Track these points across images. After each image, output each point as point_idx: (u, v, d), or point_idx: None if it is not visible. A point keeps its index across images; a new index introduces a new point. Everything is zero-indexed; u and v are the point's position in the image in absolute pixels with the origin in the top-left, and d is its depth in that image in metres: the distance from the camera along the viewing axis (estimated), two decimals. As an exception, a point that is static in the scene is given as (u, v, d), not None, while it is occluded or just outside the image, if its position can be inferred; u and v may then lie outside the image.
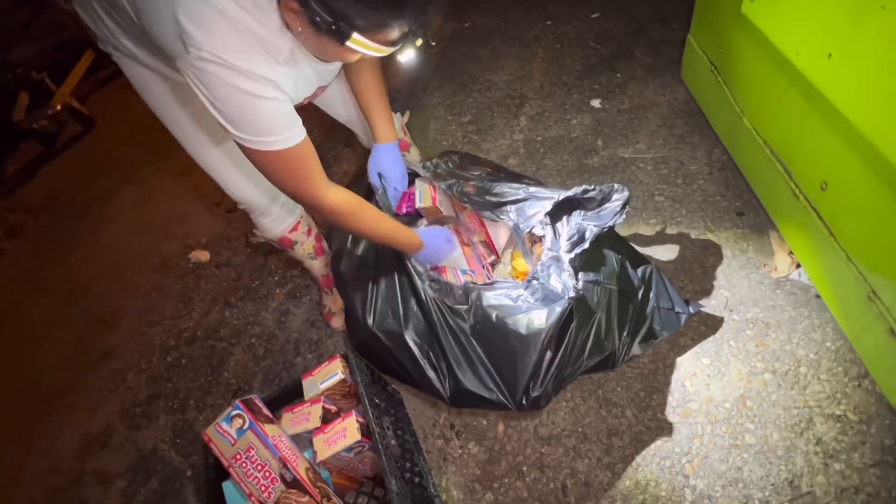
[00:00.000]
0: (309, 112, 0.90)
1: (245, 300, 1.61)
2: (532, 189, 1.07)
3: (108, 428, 1.44)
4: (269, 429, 0.81)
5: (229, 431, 0.79)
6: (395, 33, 0.61)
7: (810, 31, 0.76)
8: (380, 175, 1.09)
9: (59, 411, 1.53)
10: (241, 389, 1.38)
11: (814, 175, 0.90)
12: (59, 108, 2.76)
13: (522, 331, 0.87)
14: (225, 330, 1.55)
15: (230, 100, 0.63)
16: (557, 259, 0.93)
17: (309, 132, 0.73)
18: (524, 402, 0.88)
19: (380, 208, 1.09)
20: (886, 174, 0.70)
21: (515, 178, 1.18)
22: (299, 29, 0.64)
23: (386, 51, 0.63)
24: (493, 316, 0.91)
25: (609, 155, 1.53)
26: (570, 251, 0.94)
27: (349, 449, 0.82)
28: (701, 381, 1.02)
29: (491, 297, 0.94)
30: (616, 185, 0.98)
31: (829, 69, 0.76)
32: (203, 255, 1.82)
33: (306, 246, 1.28)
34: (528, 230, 1.05)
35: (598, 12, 2.11)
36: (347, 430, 0.82)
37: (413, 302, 1.01)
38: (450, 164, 1.18)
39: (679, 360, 1.06)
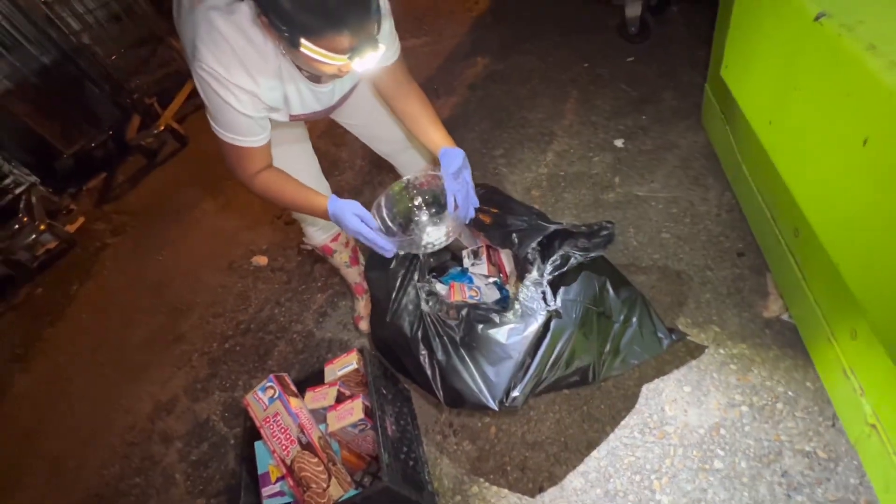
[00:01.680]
0: (355, 147, 1.10)
1: (292, 301, 1.86)
2: (534, 221, 1.23)
3: (174, 398, 1.73)
4: (294, 401, 1.01)
5: (263, 398, 1.00)
6: (341, 42, 0.70)
7: (759, 99, 0.85)
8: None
9: (140, 381, 1.86)
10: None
11: (788, 221, 0.98)
12: (162, 128, 3.30)
13: (503, 340, 1.01)
14: (273, 325, 1.81)
15: (212, 101, 0.84)
16: (538, 281, 1.07)
17: (353, 163, 0.94)
18: (505, 401, 1.02)
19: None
20: (816, 232, 0.78)
21: (524, 210, 1.34)
22: (277, 43, 0.80)
23: (339, 59, 0.73)
24: (479, 328, 1.07)
25: (624, 192, 1.64)
26: (550, 273, 1.08)
27: (354, 425, 1.00)
28: (680, 407, 1.10)
29: (479, 314, 1.10)
30: (605, 223, 1.12)
31: (771, 134, 0.85)
32: (262, 260, 2.12)
33: (343, 255, 1.50)
34: (523, 255, 1.20)
35: (633, 56, 2.23)
36: (354, 409, 1.00)
37: (417, 311, 1.19)
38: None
39: (662, 385, 1.14)
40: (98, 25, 3.52)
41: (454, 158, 1.03)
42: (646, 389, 1.15)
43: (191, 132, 3.42)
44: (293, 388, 1.07)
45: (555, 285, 1.09)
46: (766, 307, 1.18)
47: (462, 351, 1.08)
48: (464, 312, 1.10)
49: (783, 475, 0.95)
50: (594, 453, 1.09)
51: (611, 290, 1.14)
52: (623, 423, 1.12)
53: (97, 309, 2.37)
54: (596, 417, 1.15)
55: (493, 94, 2.43)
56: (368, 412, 1.03)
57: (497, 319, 1.07)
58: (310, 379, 1.18)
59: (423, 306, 1.15)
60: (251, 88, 0.83)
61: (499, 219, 1.30)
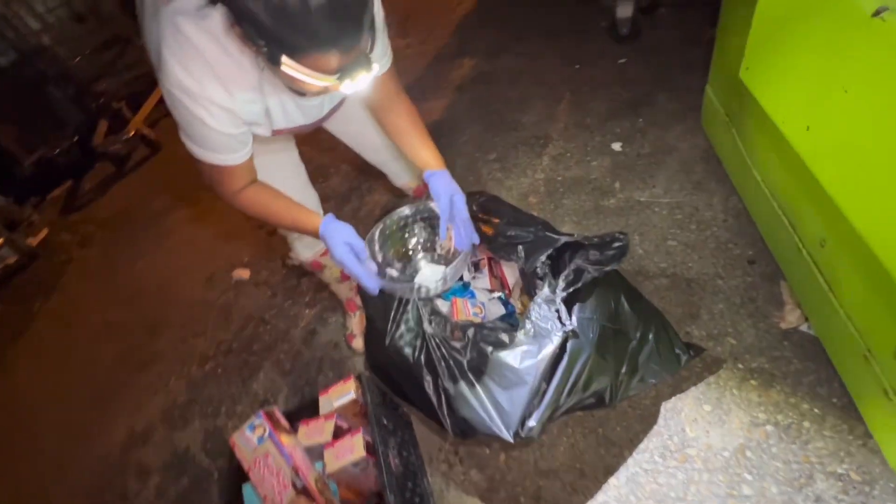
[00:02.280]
0: (343, 153, 1.02)
1: (277, 318, 1.74)
2: (540, 233, 1.15)
3: (149, 426, 1.59)
4: (286, 439, 0.91)
5: (251, 438, 0.90)
6: (328, 62, 0.62)
7: (793, 103, 0.80)
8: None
9: (111, 406, 1.71)
10: (268, 401, 1.50)
11: (813, 231, 0.93)
12: (132, 133, 3.11)
13: (516, 364, 0.93)
14: (257, 344, 1.69)
15: (182, 117, 0.75)
16: (551, 299, 1.00)
17: (339, 168, 0.86)
18: (520, 431, 0.94)
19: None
20: (867, 242, 0.73)
21: (529, 220, 1.26)
22: (255, 55, 0.71)
23: (326, 79, 0.64)
24: (489, 351, 0.98)
25: (625, 197, 1.58)
26: (564, 290, 1.01)
27: (355, 464, 0.91)
28: (701, 428, 1.04)
29: (487, 334, 1.02)
30: (618, 234, 1.05)
31: (808, 141, 0.80)
32: (244, 274, 1.99)
33: (334, 271, 1.40)
34: (531, 270, 1.13)
35: (625, 58, 2.19)
36: (354, 446, 0.91)
37: (420, 333, 1.10)
38: (473, 206, 1.28)
39: (681, 404, 1.08)
40: (60, 25, 3.31)
41: (445, 183, 0.97)
42: (663, 409, 1.09)
43: (162, 137, 3.25)
44: (285, 422, 0.96)
45: (568, 302, 1.02)
46: (782, 318, 1.13)
47: (470, 376, 0.99)
48: (470, 333, 1.01)
49: (816, 501, 0.89)
50: (613, 480, 1.02)
51: (626, 305, 1.07)
52: (642, 446, 1.05)
53: (63, 326, 2.20)
54: (612, 441, 1.08)
55: (483, 96, 2.36)
56: (370, 448, 0.93)
57: (507, 340, 0.99)
58: (302, 410, 1.07)
59: (427, 327, 1.06)
60: (226, 104, 0.74)
61: (501, 229, 1.23)
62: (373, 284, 0.88)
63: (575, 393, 0.96)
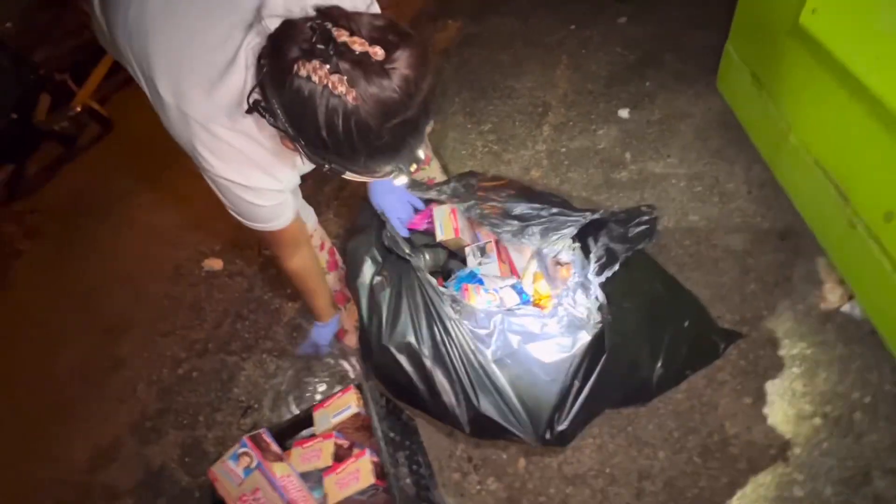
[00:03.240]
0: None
1: (257, 312, 1.57)
2: (555, 210, 1.01)
3: (117, 441, 1.42)
4: (278, 468, 0.76)
5: (236, 470, 0.75)
6: (383, 172, 0.63)
7: (887, 50, 0.67)
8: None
9: (71, 420, 1.52)
10: (251, 407, 1.35)
11: (878, 203, 0.82)
12: (79, 109, 2.78)
13: (546, 359, 0.81)
14: (236, 343, 1.51)
15: (231, 201, 0.78)
16: (584, 284, 0.87)
17: None
18: (548, 435, 0.82)
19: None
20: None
21: (537, 196, 1.11)
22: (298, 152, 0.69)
23: (381, 178, 0.66)
24: (516, 342, 0.86)
25: (638, 169, 1.45)
26: (598, 274, 0.88)
27: (363, 492, 0.77)
28: (742, 423, 0.94)
29: (514, 323, 0.89)
30: (644, 207, 0.93)
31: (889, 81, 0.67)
32: (216, 264, 1.79)
33: (319, 260, 1.24)
34: (553, 255, 0.99)
35: (625, 16, 2.02)
36: (360, 473, 0.77)
37: (432, 321, 0.96)
38: (467, 187, 1.12)
39: (717, 397, 0.99)
40: (-19, -17, 2.89)
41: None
42: (698, 403, 0.99)
43: (117, 113, 2.91)
44: (276, 447, 0.82)
45: (602, 289, 0.89)
46: (822, 298, 1.04)
47: (496, 370, 0.86)
48: (497, 320, 0.88)
49: (875, 501, 0.81)
50: (649, 486, 0.93)
51: (661, 290, 0.96)
52: (678, 446, 0.95)
53: (10, 331, 1.95)
54: (645, 441, 0.97)
55: (472, 61, 2.16)
56: (378, 470, 0.80)
57: (538, 330, 0.86)
58: (294, 426, 0.92)
59: (448, 311, 0.91)
60: (274, 187, 0.77)
61: (507, 207, 1.08)
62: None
63: (611, 391, 0.84)
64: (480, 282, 1.12)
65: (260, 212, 0.80)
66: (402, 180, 0.67)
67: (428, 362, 0.90)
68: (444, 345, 0.90)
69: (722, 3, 1.81)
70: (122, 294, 1.86)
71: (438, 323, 0.92)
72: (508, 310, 0.93)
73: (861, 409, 0.90)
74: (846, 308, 1.01)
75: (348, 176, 0.63)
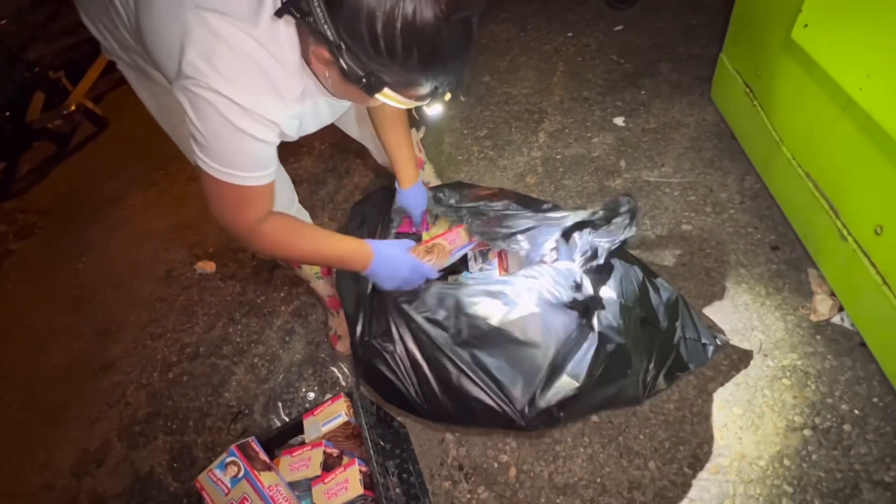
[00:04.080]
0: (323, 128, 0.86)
1: (249, 316, 1.56)
2: (541, 215, 1.02)
3: (105, 445, 1.40)
4: (266, 477, 0.75)
5: (223, 479, 0.74)
6: (425, 89, 0.59)
7: (879, 66, 0.68)
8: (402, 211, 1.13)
9: (59, 423, 1.50)
10: (242, 412, 1.34)
11: (867, 217, 0.82)
12: (73, 108, 2.76)
13: (520, 336, 0.82)
14: (227, 347, 1.50)
15: (218, 131, 0.60)
16: (569, 270, 0.88)
17: (311, 146, 0.72)
18: (526, 410, 0.82)
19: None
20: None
21: (526, 203, 1.13)
22: (326, 74, 0.62)
23: (414, 104, 0.62)
24: (483, 323, 0.86)
25: (633, 177, 1.46)
26: (583, 266, 0.90)
27: (351, 503, 0.76)
28: (732, 434, 0.95)
29: (474, 303, 0.89)
30: (622, 198, 0.94)
31: (876, 96, 0.68)
32: (209, 266, 1.78)
33: (313, 266, 1.23)
34: (539, 259, 0.99)
35: (622, 25, 2.04)
36: (349, 482, 0.76)
37: (397, 316, 0.96)
38: (458, 197, 1.14)
39: (708, 408, 0.99)
40: (-24, -20, 2.87)
41: (422, 198, 1.10)
42: (689, 413, 0.99)
43: (110, 113, 2.90)
44: (264, 456, 0.81)
45: (594, 285, 0.90)
46: (813, 309, 1.04)
47: (460, 351, 0.87)
48: (450, 304, 0.89)
49: (864, 513, 0.82)
50: (639, 496, 0.92)
51: (650, 291, 0.97)
52: (669, 456, 0.95)
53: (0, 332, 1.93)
54: (636, 451, 0.97)
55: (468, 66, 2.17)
56: (367, 480, 0.79)
57: (496, 291, 0.87)
58: (283, 434, 0.92)
59: (405, 307, 0.92)
60: (275, 117, 0.63)
61: (502, 220, 1.09)
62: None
63: (604, 382, 0.85)
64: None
65: (246, 151, 0.63)
66: (437, 109, 0.64)
67: (401, 354, 0.91)
68: (412, 337, 0.91)
69: (717, 14, 1.83)
70: (114, 296, 1.84)
71: (401, 315, 0.93)
72: (457, 284, 0.93)
73: (850, 421, 0.90)
74: (836, 320, 1.02)
75: (382, 97, 0.58)
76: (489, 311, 0.89)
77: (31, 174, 2.85)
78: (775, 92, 1.06)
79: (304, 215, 1.14)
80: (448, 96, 0.61)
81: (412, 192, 1.08)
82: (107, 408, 1.49)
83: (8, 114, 2.90)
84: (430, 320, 0.91)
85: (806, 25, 0.78)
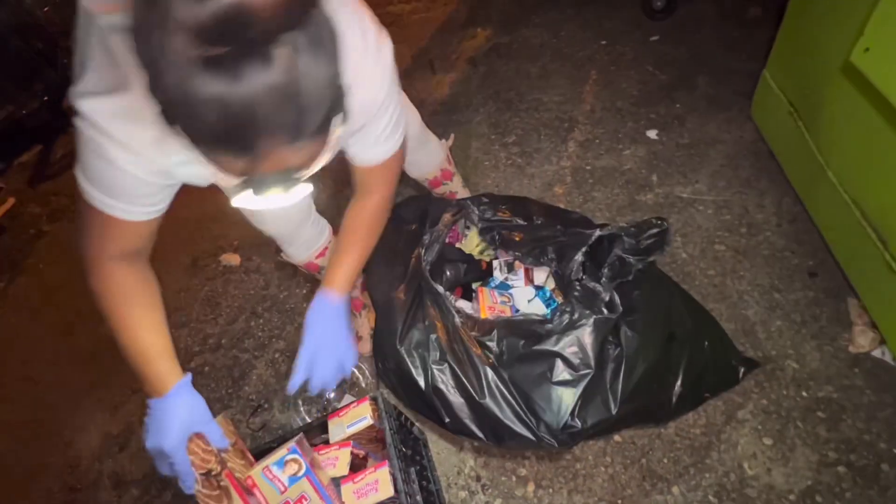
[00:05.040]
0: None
1: (272, 311, 1.58)
2: (571, 230, 1.02)
3: (127, 429, 1.43)
4: (322, 476, 0.76)
5: (280, 477, 0.74)
6: (234, 165, 0.40)
7: None
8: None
9: (84, 405, 1.54)
10: (261, 406, 1.35)
11: (919, 251, 0.79)
12: (108, 96, 2.83)
13: (553, 356, 0.81)
14: (249, 341, 1.52)
15: (87, 151, 0.53)
16: (594, 291, 0.87)
17: None
18: (551, 432, 0.81)
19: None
20: None
21: (554, 214, 1.12)
22: None
23: (232, 181, 0.44)
24: (521, 345, 0.86)
25: (665, 193, 1.43)
26: (611, 281, 0.89)
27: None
28: (761, 465, 0.92)
29: (519, 327, 0.90)
30: (655, 220, 0.94)
31: None
32: (234, 259, 1.80)
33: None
34: (568, 273, 0.98)
35: (658, 35, 2.00)
36: (380, 484, 0.77)
37: (441, 330, 0.96)
38: (487, 209, 1.13)
39: (736, 436, 0.96)
40: (23, -32, 2.96)
41: (328, 309, 0.76)
42: (716, 440, 0.97)
43: (143, 101, 2.96)
44: (315, 454, 0.81)
45: (622, 301, 0.89)
46: (851, 341, 1.01)
47: (504, 374, 0.86)
48: (499, 327, 0.89)
49: (899, 557, 0.79)
50: (661, 522, 0.91)
51: (681, 308, 0.95)
52: (694, 482, 0.93)
53: (30, 311, 1.99)
54: (659, 474, 0.96)
55: (499, 71, 2.16)
56: (395, 483, 0.79)
57: (542, 331, 0.86)
58: (307, 433, 0.92)
59: (455, 320, 0.92)
60: (161, 167, 0.56)
61: (530, 233, 1.08)
62: (189, 483, 0.66)
63: (629, 401, 0.83)
64: (506, 286, 1.12)
65: (115, 178, 0.55)
66: (260, 202, 0.45)
67: (435, 367, 0.91)
68: (452, 354, 0.91)
69: (760, 28, 1.78)
70: (140, 282, 1.88)
71: (446, 330, 0.93)
72: (509, 319, 0.93)
73: (888, 460, 0.87)
74: (877, 353, 0.98)
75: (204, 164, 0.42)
76: (528, 336, 0.89)
77: (66, 158, 2.93)
78: (824, 114, 1.03)
79: (323, 225, 1.13)
80: (271, 191, 0.44)
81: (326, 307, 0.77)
82: (130, 392, 1.52)
83: (46, 98, 2.99)
84: (479, 342, 0.91)
85: (867, 49, 0.75)
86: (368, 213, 0.79)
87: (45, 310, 1.95)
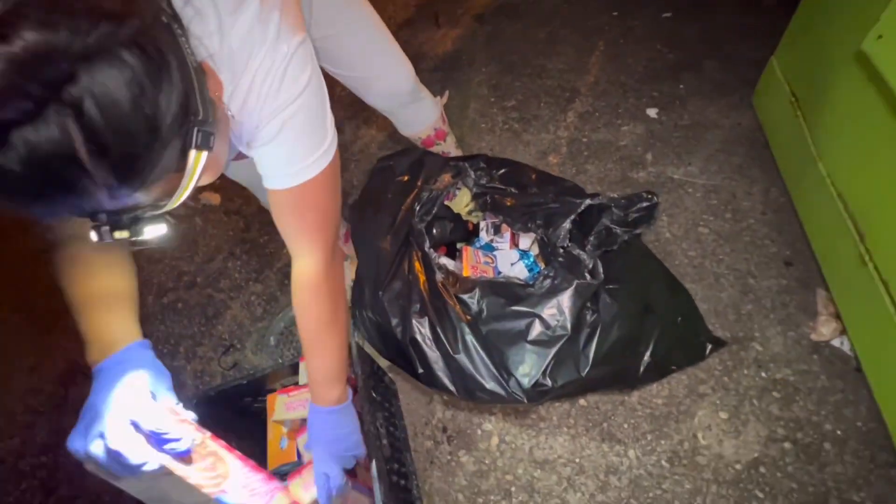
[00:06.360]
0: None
1: (250, 254, 1.55)
2: (562, 197, 1.02)
3: (94, 358, 1.41)
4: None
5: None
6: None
7: None
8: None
9: (50, 332, 1.50)
10: (234, 346, 1.34)
11: (894, 245, 0.81)
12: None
13: (531, 317, 0.83)
14: (225, 281, 1.50)
15: None
16: (578, 258, 0.88)
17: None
18: (521, 389, 0.84)
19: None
20: None
21: (547, 181, 1.11)
22: None
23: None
24: (500, 304, 0.87)
25: (657, 172, 1.43)
26: (595, 249, 0.90)
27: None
28: (715, 436, 0.97)
29: (499, 288, 0.90)
30: (645, 193, 0.95)
31: None
32: (214, 198, 1.74)
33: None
34: (556, 241, 0.99)
35: (671, 12, 1.95)
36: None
37: (424, 283, 0.96)
38: (480, 171, 1.12)
39: (695, 408, 1.00)
40: None
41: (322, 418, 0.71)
42: (676, 411, 1.01)
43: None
44: None
45: (604, 269, 0.91)
46: (814, 329, 1.05)
47: (481, 331, 0.87)
48: (480, 286, 0.89)
49: (828, 527, 0.85)
50: (614, 481, 0.95)
51: (659, 281, 0.97)
52: (649, 447, 0.97)
53: (-4, 235, 1.91)
54: (618, 438, 0.99)
55: (505, 31, 2.08)
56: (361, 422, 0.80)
57: (523, 294, 0.87)
58: (277, 372, 0.92)
59: (437, 276, 0.92)
60: None
61: (521, 199, 1.08)
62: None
63: (600, 365, 0.86)
64: (489, 247, 1.12)
65: None
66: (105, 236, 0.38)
67: (415, 319, 0.91)
68: (433, 308, 0.91)
69: (775, 18, 1.74)
70: (114, 213, 1.81)
71: (428, 284, 0.93)
72: (490, 280, 0.94)
73: (832, 440, 0.93)
74: (836, 342, 1.03)
75: None
76: (508, 296, 0.89)
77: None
78: (824, 105, 1.03)
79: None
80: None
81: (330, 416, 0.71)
82: (99, 323, 1.49)
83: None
84: (458, 299, 0.90)
85: (880, 37, 0.74)
86: (307, 299, 0.66)
87: (6, 242, 1.87)
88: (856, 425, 0.93)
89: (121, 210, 0.37)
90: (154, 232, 0.41)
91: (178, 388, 1.32)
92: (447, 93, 1.82)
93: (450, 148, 1.37)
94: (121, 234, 0.38)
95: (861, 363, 0.94)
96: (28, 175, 0.31)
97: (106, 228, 0.38)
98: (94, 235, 0.38)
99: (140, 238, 0.40)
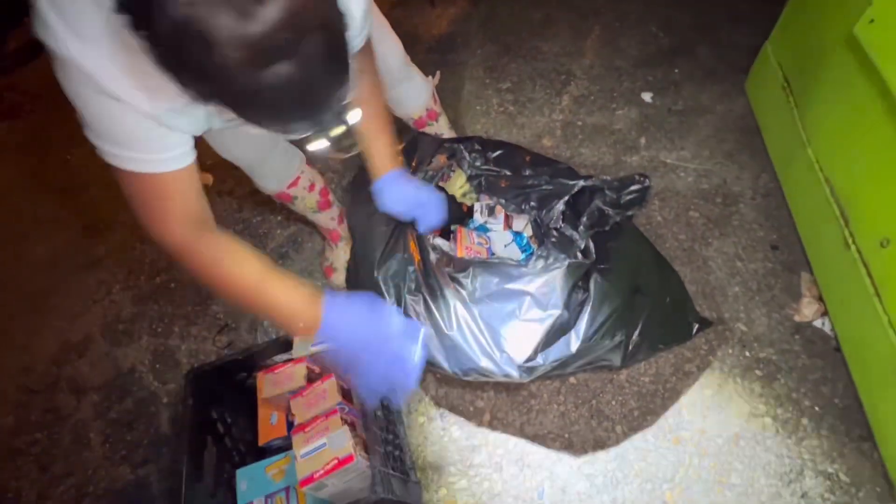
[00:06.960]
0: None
1: (244, 234, 1.54)
2: (555, 180, 1.03)
3: (87, 338, 1.41)
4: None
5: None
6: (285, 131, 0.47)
7: None
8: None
9: (41, 311, 1.50)
10: (228, 326, 1.35)
11: (877, 228, 0.84)
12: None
13: (524, 295, 0.86)
14: (219, 262, 1.49)
15: (89, 103, 0.51)
16: (570, 238, 0.89)
17: None
18: (513, 365, 0.86)
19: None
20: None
21: (541, 162, 1.12)
22: None
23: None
24: (494, 283, 0.88)
25: (650, 156, 1.44)
26: (587, 230, 0.91)
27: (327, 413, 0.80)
28: (698, 412, 1.00)
29: (493, 267, 0.92)
30: (638, 176, 0.96)
31: None
32: (207, 179, 1.72)
33: (308, 201, 1.21)
34: (549, 223, 1.00)
35: (668, -4, 1.94)
36: (327, 393, 0.79)
37: (419, 263, 0.97)
38: (475, 153, 1.12)
39: (681, 385, 1.04)
40: None
41: (406, 192, 0.89)
42: (662, 388, 1.04)
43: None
44: None
45: (595, 249, 0.92)
46: (797, 310, 1.08)
47: (474, 309, 0.89)
48: (474, 265, 0.91)
49: (802, 496, 0.89)
50: (602, 455, 0.98)
51: (649, 262, 0.99)
52: (636, 423, 1.01)
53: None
54: (606, 414, 1.03)
55: (501, 12, 2.06)
56: (345, 393, 0.82)
57: (516, 273, 0.89)
58: (270, 347, 0.94)
59: (431, 256, 0.93)
60: (152, 112, 0.52)
61: (515, 181, 1.09)
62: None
63: (590, 343, 0.88)
64: (484, 229, 1.13)
65: (127, 121, 0.52)
66: (316, 146, 0.52)
67: (410, 297, 0.92)
68: (427, 287, 0.92)
69: (771, 5, 1.74)
70: (103, 194, 1.79)
71: (423, 264, 0.94)
72: (484, 261, 0.95)
73: (809, 416, 0.96)
74: (817, 323, 1.06)
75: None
76: (502, 273, 0.90)
77: (20, 52, 2.66)
78: (816, 90, 1.04)
79: (294, 153, 1.10)
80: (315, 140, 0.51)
81: (388, 182, 0.86)
82: (91, 303, 1.49)
83: (-4, -18, 2.67)
84: (452, 278, 0.91)
85: (872, 21, 0.75)
86: (378, 107, 0.84)
87: (0, 213, 1.84)
88: (833, 402, 0.97)
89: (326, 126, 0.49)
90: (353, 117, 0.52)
91: (173, 367, 1.33)
92: (438, 73, 1.80)
93: (443, 129, 1.36)
94: (336, 132, 0.50)
95: (840, 343, 0.98)
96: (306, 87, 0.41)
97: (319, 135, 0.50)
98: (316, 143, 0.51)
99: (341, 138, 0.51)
